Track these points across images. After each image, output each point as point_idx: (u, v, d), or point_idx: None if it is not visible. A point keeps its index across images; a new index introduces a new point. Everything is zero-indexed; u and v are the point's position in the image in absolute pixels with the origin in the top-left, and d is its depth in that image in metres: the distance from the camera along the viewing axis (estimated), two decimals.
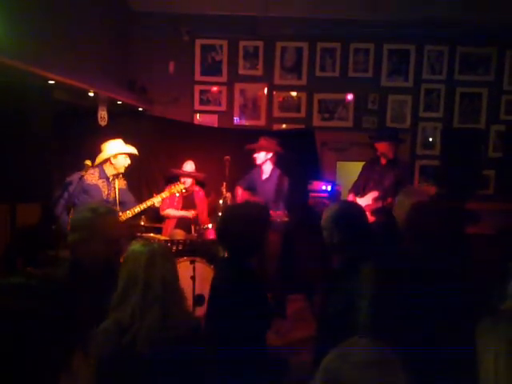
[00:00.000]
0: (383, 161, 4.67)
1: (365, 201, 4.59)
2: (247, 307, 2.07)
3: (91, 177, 4.16)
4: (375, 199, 4.49)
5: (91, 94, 4.25)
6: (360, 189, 4.77)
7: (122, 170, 4.32)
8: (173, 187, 4.54)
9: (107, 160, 4.24)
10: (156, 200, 4.37)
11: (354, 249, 2.09)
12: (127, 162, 4.30)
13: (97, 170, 4.20)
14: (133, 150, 4.34)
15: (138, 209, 4.28)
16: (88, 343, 1.80)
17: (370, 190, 4.59)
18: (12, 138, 2.92)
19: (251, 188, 4.98)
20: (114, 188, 4.32)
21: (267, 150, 4.87)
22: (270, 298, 2.42)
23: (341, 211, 2.18)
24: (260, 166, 4.98)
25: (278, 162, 5.01)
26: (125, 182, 4.44)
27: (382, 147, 4.64)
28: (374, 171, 4.72)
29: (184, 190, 4.67)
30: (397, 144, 4.74)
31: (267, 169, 4.98)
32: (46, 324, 1.00)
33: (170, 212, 5.12)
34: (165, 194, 4.48)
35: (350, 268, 2.03)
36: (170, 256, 2.04)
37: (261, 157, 4.91)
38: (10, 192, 3.11)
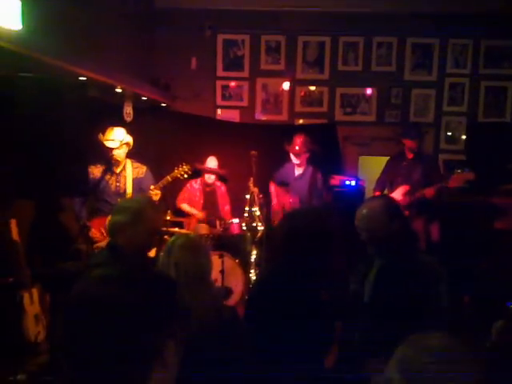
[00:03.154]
0: (410, 155, 4.68)
1: (394, 196, 4.56)
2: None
3: (97, 171, 4.12)
4: (405, 194, 4.45)
5: (119, 90, 4.28)
6: (387, 184, 4.75)
7: (117, 157, 4.13)
8: (176, 170, 4.31)
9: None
10: (153, 193, 4.12)
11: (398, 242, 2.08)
12: (113, 145, 4.09)
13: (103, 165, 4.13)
14: (114, 139, 4.11)
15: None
16: (178, 332, 1.81)
17: (399, 184, 4.56)
18: (49, 135, 2.96)
19: (284, 183, 4.93)
20: (125, 180, 4.18)
21: (309, 153, 4.79)
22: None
23: (385, 206, 2.16)
24: (294, 163, 4.90)
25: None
26: (142, 170, 4.26)
27: (409, 143, 4.66)
28: (400, 166, 4.70)
29: (190, 173, 4.45)
30: (421, 138, 4.83)
31: (300, 165, 4.91)
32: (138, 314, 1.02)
33: (184, 207, 5.17)
34: (169, 179, 4.24)
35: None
36: (191, 246, 1.99)
37: (301, 158, 4.81)
38: (39, 188, 3.16)
